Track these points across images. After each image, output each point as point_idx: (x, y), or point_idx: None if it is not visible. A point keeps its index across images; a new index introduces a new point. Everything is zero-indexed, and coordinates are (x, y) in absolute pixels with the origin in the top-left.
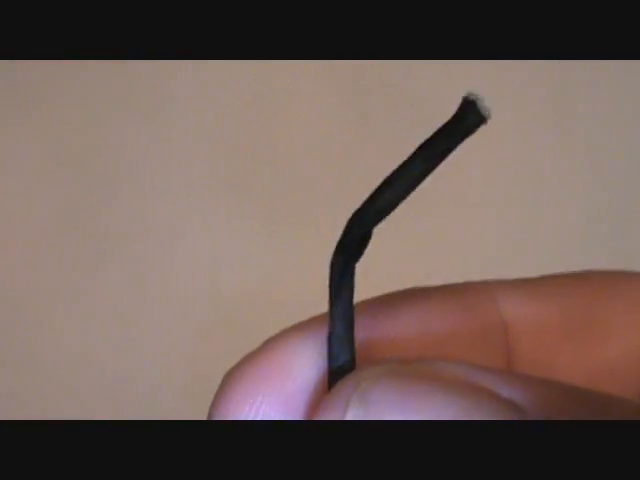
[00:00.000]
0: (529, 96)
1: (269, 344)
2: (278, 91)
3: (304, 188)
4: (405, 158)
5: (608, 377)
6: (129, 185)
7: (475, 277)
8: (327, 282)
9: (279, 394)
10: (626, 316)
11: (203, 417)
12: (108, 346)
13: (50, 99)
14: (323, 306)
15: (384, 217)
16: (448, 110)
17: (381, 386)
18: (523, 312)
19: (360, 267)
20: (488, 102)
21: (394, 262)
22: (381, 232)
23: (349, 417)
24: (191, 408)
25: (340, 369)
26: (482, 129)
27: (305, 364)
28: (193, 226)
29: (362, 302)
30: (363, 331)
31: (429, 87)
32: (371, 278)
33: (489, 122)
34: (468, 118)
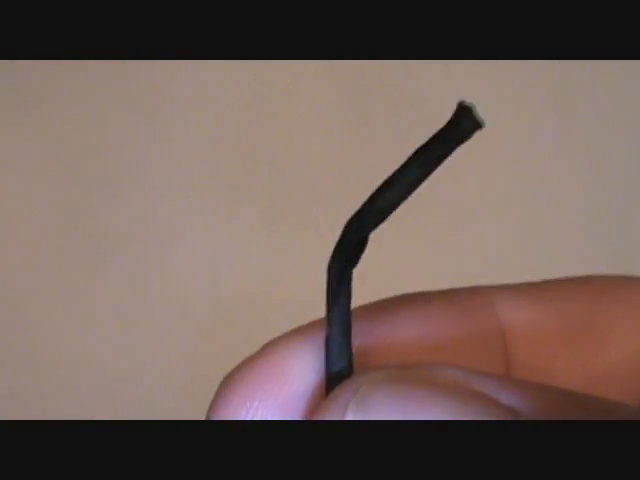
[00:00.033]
0: (529, 96)
1: (267, 348)
2: (278, 91)
3: (304, 188)
4: (403, 160)
5: (607, 382)
6: (129, 185)
7: (475, 278)
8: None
9: (276, 398)
10: (625, 321)
11: (203, 417)
12: (108, 346)
13: (50, 99)
14: (323, 307)
15: (381, 222)
16: (448, 110)
17: (380, 391)
18: (521, 317)
19: (358, 271)
20: (481, 110)
21: (392, 265)
22: (381, 232)
23: None
24: (191, 408)
25: (338, 374)
26: (482, 129)
27: (303, 368)
28: (193, 226)
29: (360, 307)
30: (361, 336)
31: (429, 87)
32: (369, 282)
33: (489, 122)
34: (463, 124)
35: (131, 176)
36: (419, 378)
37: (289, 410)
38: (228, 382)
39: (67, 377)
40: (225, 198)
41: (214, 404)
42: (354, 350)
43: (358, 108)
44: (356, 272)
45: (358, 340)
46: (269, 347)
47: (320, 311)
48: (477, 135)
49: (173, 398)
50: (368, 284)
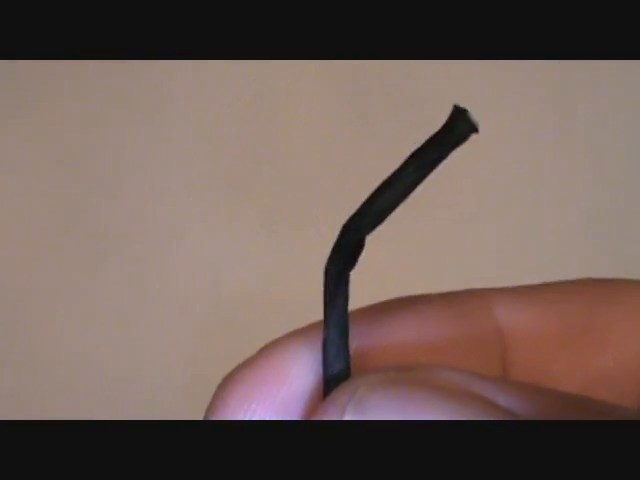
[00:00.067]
0: (529, 96)
1: (265, 350)
2: (278, 91)
3: (304, 188)
4: (403, 161)
5: (606, 385)
6: (129, 185)
7: (475, 278)
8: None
9: (274, 400)
10: (624, 324)
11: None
12: (108, 346)
13: (50, 99)
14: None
15: (378, 224)
16: (448, 110)
17: (378, 394)
18: (520, 319)
19: (355, 273)
20: (481, 110)
21: (390, 267)
22: (378, 234)
23: None
24: (191, 408)
25: (335, 377)
26: (482, 129)
27: (301, 370)
28: (193, 226)
29: (357, 310)
30: (358, 339)
31: (429, 87)
32: (366, 285)
33: (489, 121)
34: (458, 127)
35: (131, 176)
36: (417, 380)
37: (287, 412)
38: (226, 384)
39: (67, 377)
40: (225, 198)
41: (212, 406)
42: (352, 352)
43: (358, 108)
44: (353, 274)
45: (356, 342)
46: (267, 349)
47: (320, 311)
48: (477, 135)
49: (173, 398)
50: (366, 286)
